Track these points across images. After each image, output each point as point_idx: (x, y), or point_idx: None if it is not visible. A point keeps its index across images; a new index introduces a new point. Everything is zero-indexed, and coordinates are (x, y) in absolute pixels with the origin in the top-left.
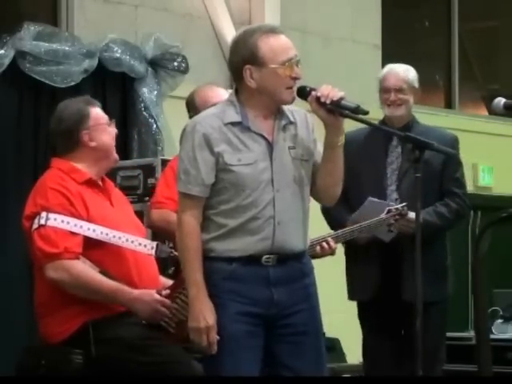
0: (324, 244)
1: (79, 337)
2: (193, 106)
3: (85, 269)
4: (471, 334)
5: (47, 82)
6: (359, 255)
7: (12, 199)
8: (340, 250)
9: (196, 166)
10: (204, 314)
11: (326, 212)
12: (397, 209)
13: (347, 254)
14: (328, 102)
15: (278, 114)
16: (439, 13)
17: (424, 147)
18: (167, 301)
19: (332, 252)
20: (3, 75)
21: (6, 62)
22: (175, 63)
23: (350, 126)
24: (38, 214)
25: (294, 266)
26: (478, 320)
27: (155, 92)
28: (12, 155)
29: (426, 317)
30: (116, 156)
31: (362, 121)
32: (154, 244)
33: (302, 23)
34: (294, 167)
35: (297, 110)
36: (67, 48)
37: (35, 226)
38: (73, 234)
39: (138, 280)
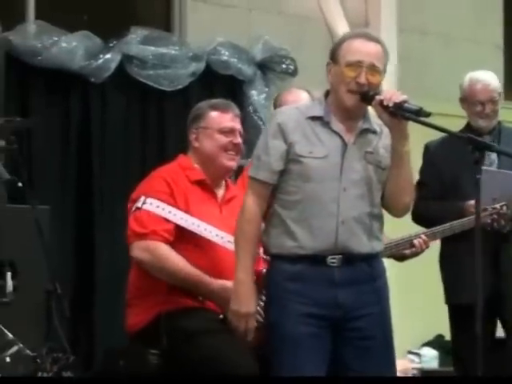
0: (416, 242)
1: (151, 328)
2: (275, 109)
3: (169, 252)
4: None
5: (154, 85)
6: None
7: (120, 202)
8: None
9: (267, 153)
10: (247, 300)
11: (418, 213)
12: (494, 208)
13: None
14: (391, 104)
15: (362, 118)
16: None
17: (484, 148)
18: None
19: (422, 250)
20: (110, 79)
21: (113, 66)
22: (283, 66)
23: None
24: (139, 197)
25: (361, 268)
26: None
27: (264, 95)
28: (120, 159)
29: None
30: (225, 163)
31: (424, 123)
32: None
33: (421, 24)
34: (365, 171)
35: None
36: (174, 51)
37: (133, 208)
38: (166, 220)
39: (223, 277)
